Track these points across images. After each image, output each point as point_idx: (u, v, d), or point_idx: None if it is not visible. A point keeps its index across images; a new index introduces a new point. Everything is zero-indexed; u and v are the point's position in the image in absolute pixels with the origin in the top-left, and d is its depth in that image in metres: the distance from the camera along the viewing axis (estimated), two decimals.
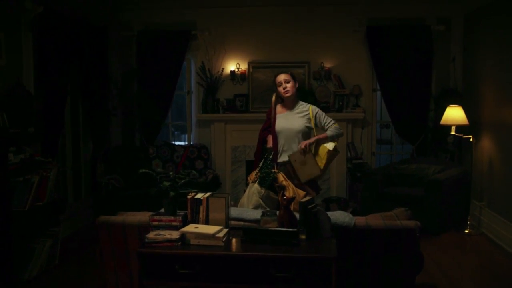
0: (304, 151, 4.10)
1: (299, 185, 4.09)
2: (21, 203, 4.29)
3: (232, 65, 7.03)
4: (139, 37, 6.97)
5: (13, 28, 4.88)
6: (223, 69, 7.01)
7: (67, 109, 5.95)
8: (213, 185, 6.41)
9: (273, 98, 4.38)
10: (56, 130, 5.37)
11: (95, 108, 6.27)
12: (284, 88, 4.23)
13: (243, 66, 7.02)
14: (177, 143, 7.63)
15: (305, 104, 4.35)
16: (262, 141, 4.42)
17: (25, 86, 4.87)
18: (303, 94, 6.25)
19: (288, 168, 4.14)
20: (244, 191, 4.32)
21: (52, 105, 5.26)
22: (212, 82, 6.95)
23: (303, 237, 3.04)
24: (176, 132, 10.60)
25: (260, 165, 4.23)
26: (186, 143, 7.57)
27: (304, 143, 4.12)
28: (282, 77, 4.25)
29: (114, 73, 6.89)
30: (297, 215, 3.23)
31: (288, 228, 3.09)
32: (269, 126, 4.35)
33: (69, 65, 5.64)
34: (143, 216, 3.33)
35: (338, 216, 3.29)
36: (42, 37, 5.13)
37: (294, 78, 4.29)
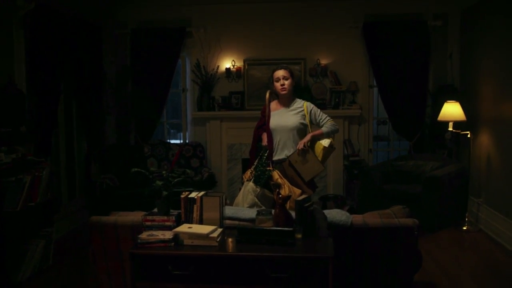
0: (303, 151, 4.05)
1: (294, 183, 4.03)
2: (13, 204, 4.22)
3: (227, 63, 6.97)
4: (133, 34, 6.91)
5: (4, 25, 4.80)
6: (218, 66, 6.96)
7: (61, 107, 5.89)
8: (209, 183, 6.35)
9: (267, 95, 4.31)
10: (49, 129, 5.30)
11: (89, 106, 6.20)
12: (281, 85, 4.16)
13: (239, 63, 6.96)
14: (172, 141, 7.57)
15: (299, 100, 4.29)
16: (257, 139, 4.36)
17: (17, 84, 4.80)
18: (299, 91, 6.20)
19: (289, 171, 4.07)
20: (240, 189, 4.27)
21: (44, 104, 5.18)
22: (207, 79, 6.89)
23: (299, 236, 2.98)
24: (172, 131, 10.55)
25: (255, 163, 4.17)
26: (182, 141, 7.51)
27: (301, 143, 4.06)
28: (280, 73, 4.17)
29: (108, 71, 6.82)
30: (293, 214, 3.17)
31: (284, 227, 3.03)
32: (263, 124, 4.29)
33: (62, 63, 5.56)
34: (136, 216, 3.27)
35: (335, 214, 3.23)
36: (34, 35, 5.04)
37: (292, 75, 4.22)
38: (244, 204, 3.94)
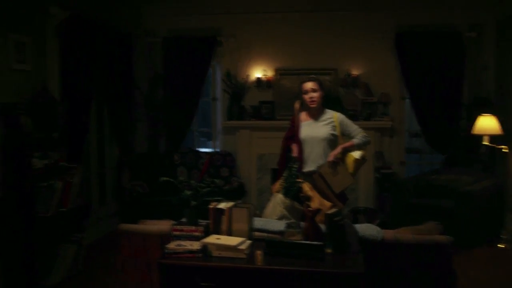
0: (334, 163, 3.97)
1: (325, 195, 3.95)
2: (44, 209, 4.28)
3: (257, 72, 6.96)
4: (164, 43, 6.98)
5: (39, 33, 4.90)
6: (248, 75, 6.95)
7: (93, 114, 5.96)
8: (238, 193, 6.33)
9: (297, 105, 4.25)
10: (81, 135, 5.37)
11: (120, 113, 6.27)
12: (310, 98, 4.09)
13: (269, 73, 6.94)
14: (202, 150, 7.58)
15: (330, 111, 4.21)
16: (286, 149, 4.29)
17: (50, 91, 4.88)
18: (330, 101, 6.11)
19: (319, 184, 4.00)
20: (269, 200, 4.22)
21: (77, 111, 5.24)
22: (238, 88, 6.89)
23: (329, 251, 2.92)
24: (202, 139, 10.58)
25: (284, 174, 4.11)
26: (212, 149, 7.52)
27: (332, 155, 3.99)
28: (309, 86, 4.10)
29: (140, 79, 6.89)
30: (323, 227, 3.11)
31: (313, 241, 2.97)
32: (293, 134, 4.22)
33: (95, 71, 5.64)
34: (163, 225, 3.26)
35: (366, 229, 3.17)
36: (68, 43, 5.14)
37: (321, 87, 4.14)
38: (273, 216, 3.89)
